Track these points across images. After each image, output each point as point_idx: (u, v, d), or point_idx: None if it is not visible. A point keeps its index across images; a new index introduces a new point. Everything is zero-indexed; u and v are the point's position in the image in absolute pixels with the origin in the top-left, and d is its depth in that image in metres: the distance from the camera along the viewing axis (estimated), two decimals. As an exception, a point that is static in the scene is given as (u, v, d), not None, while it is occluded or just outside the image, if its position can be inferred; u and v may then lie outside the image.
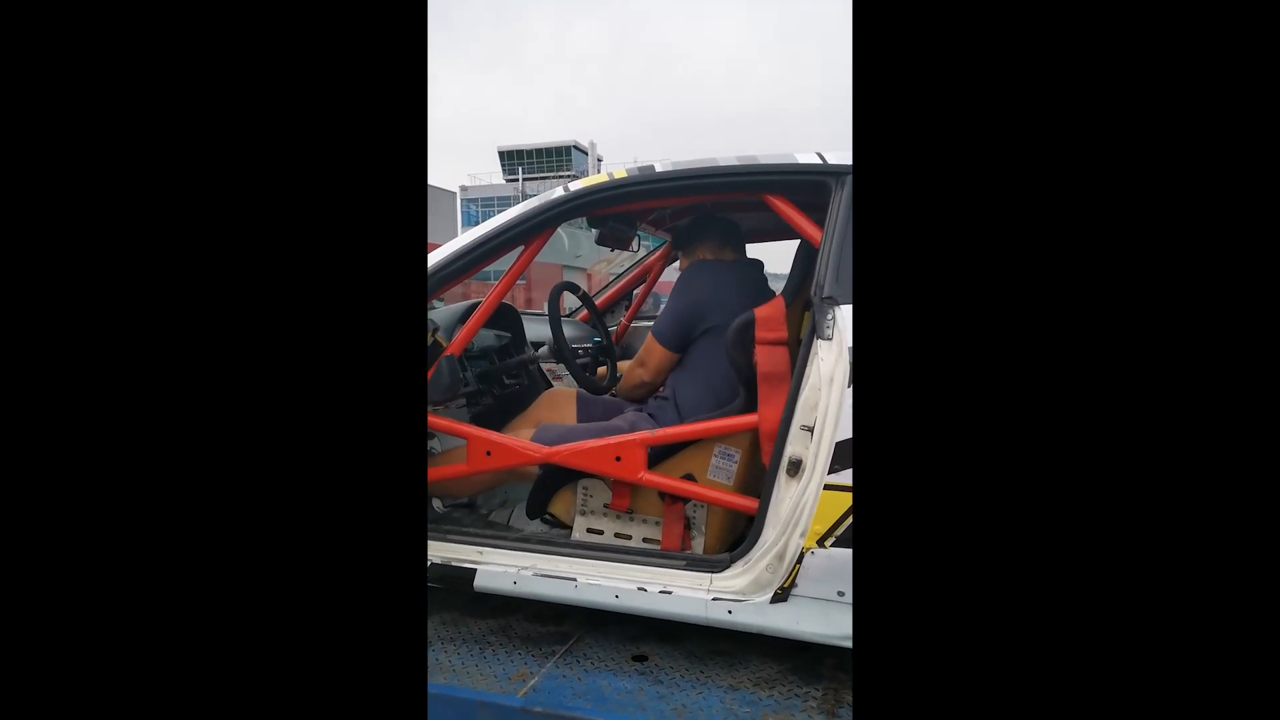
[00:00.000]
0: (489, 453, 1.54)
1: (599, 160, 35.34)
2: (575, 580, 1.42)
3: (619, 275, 2.71)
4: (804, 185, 1.45)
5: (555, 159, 34.20)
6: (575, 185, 1.55)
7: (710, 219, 1.84)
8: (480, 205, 33.70)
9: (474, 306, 1.81)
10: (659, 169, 1.51)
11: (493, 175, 35.98)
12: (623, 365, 2.02)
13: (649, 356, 1.72)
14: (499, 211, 1.59)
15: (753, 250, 1.94)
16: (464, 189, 34.70)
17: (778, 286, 1.78)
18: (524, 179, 33.21)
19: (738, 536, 1.63)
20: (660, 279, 2.63)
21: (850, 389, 1.23)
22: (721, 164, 1.48)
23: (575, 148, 34.51)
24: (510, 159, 34.75)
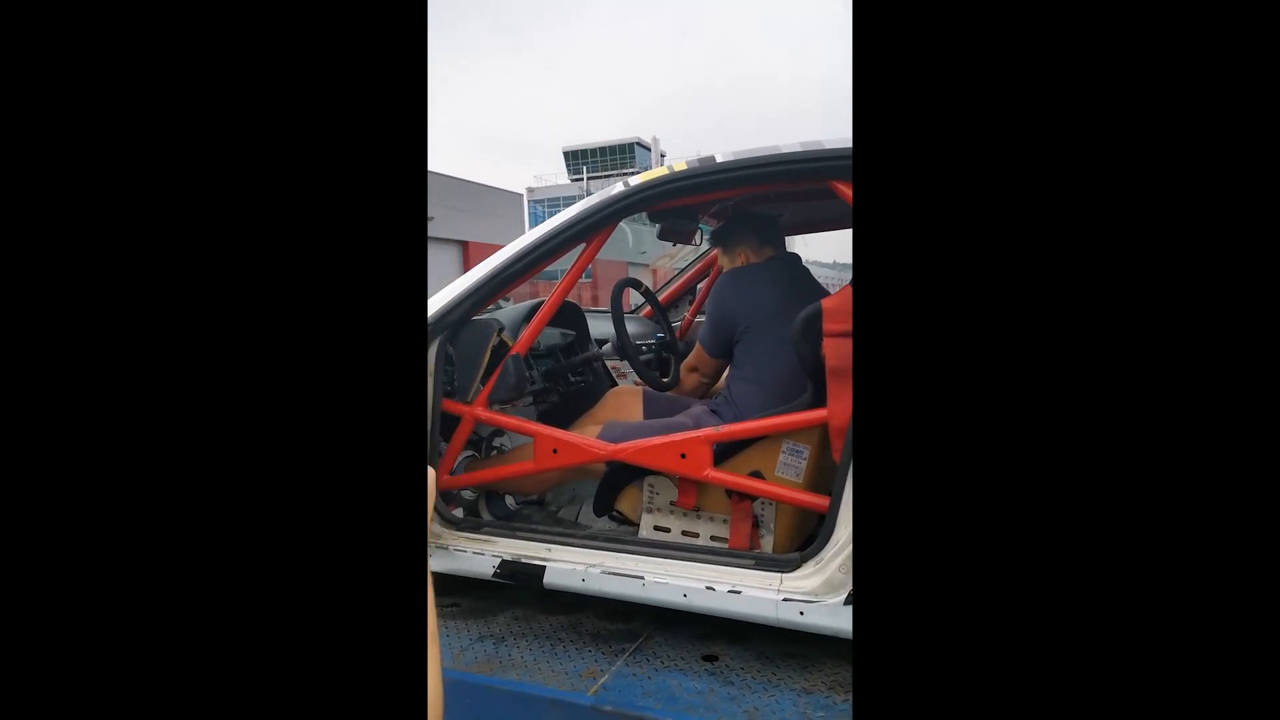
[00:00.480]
0: (556, 450, 1.54)
1: (662, 156, 35.33)
2: (643, 578, 1.41)
3: (681, 270, 2.69)
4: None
5: (619, 156, 34.39)
6: (635, 180, 1.53)
7: (746, 216, 1.85)
8: (547, 206, 34.21)
9: (538, 305, 1.82)
10: (720, 159, 1.48)
11: (558, 176, 36.51)
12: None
13: (699, 362, 1.83)
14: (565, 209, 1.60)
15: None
16: (530, 191, 35.28)
17: (818, 274, 1.77)
18: (588, 177, 33.54)
19: (808, 535, 1.59)
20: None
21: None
22: (784, 151, 1.44)
23: (638, 144, 34.60)
24: (574, 158, 35.17)
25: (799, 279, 1.71)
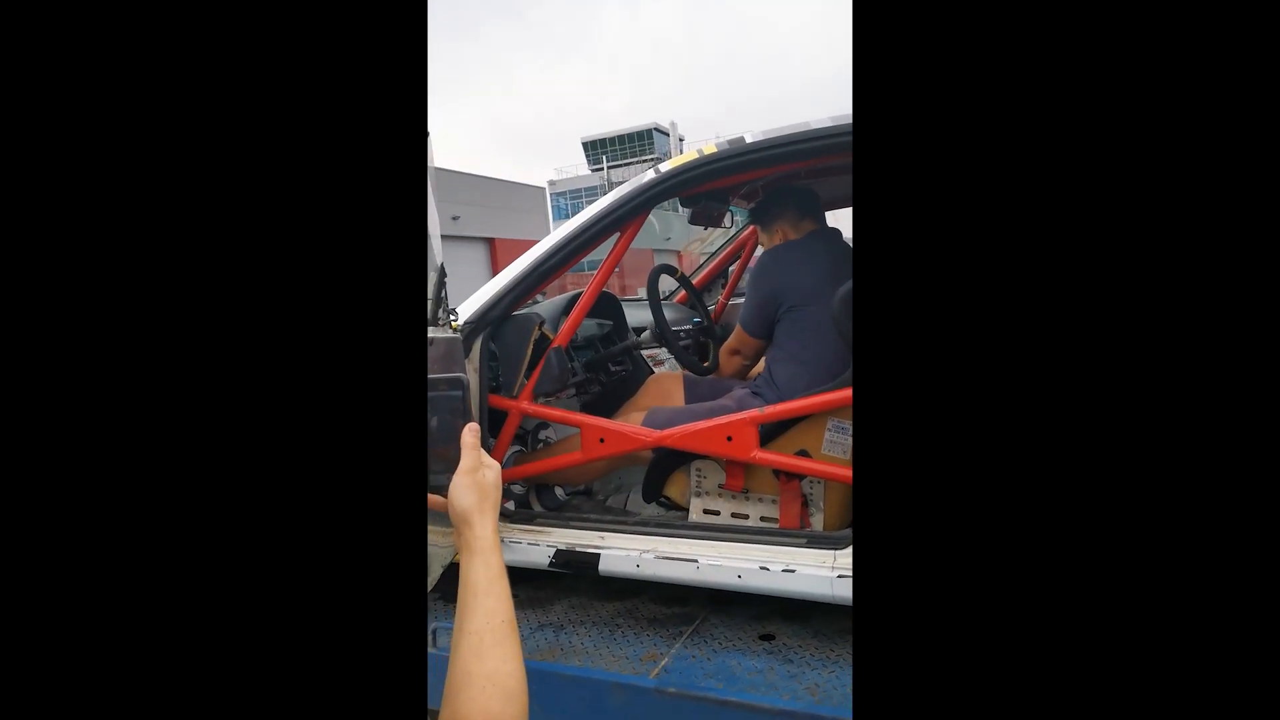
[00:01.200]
0: (603, 440, 1.56)
1: (680, 140, 35.02)
2: (697, 561, 1.42)
3: (713, 254, 2.68)
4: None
5: (638, 144, 34.20)
6: (665, 166, 1.54)
7: (786, 190, 1.82)
8: (569, 198, 34.23)
9: (576, 298, 1.84)
10: (749, 140, 1.47)
11: (578, 167, 36.43)
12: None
13: (740, 344, 1.82)
14: (587, 202, 1.61)
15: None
16: (552, 183, 35.33)
17: None
18: (609, 166, 33.45)
19: (859, 511, 1.59)
20: (755, 254, 2.58)
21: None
22: (813, 126, 1.43)
23: (657, 130, 34.34)
24: (594, 148, 35.07)
25: (840, 254, 1.68)
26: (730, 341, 1.85)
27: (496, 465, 0.70)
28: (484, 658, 0.58)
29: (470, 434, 0.71)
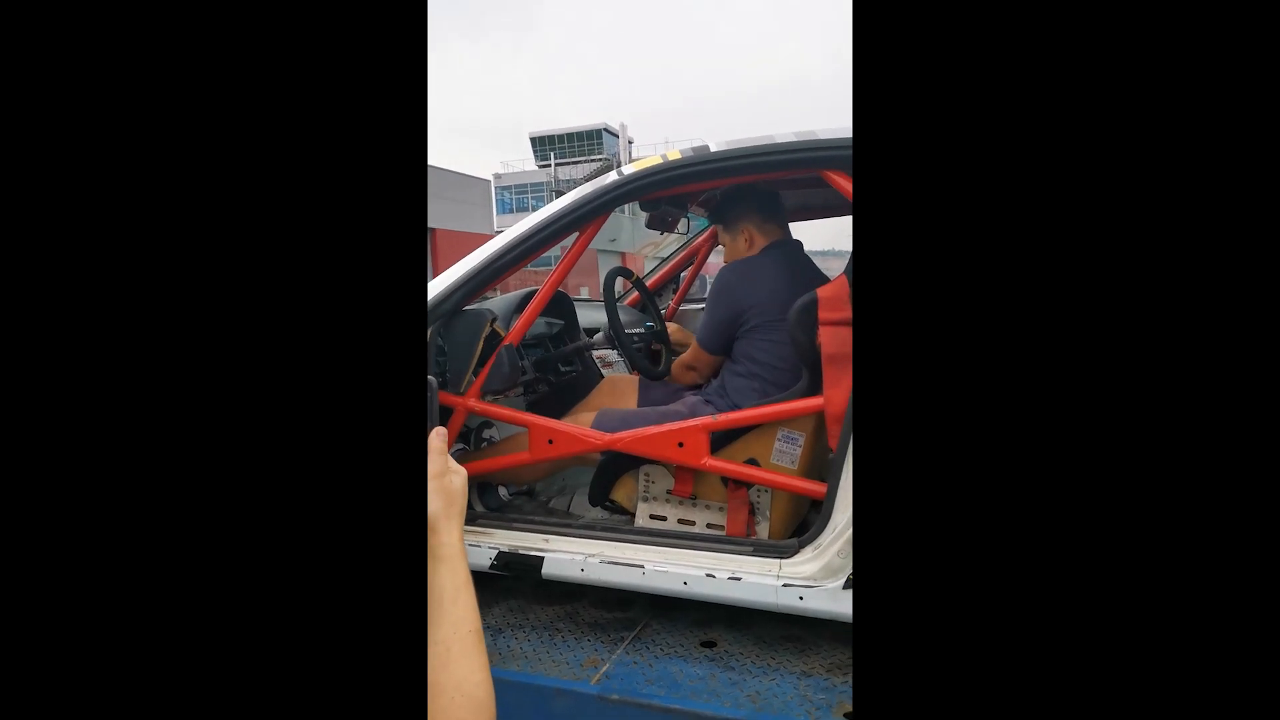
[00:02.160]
0: (551, 441, 1.54)
1: (630, 142, 35.03)
2: (643, 567, 1.42)
3: (665, 259, 2.69)
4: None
5: (587, 143, 34.05)
6: (629, 168, 1.53)
7: (748, 190, 1.75)
8: (514, 192, 33.78)
9: (529, 295, 1.81)
10: (714, 149, 1.48)
11: (525, 162, 35.99)
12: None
13: (697, 360, 1.79)
14: (532, 198, 1.58)
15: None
16: (497, 176, 34.76)
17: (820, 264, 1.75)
18: (556, 164, 33.18)
19: (801, 521, 1.62)
20: (709, 260, 2.59)
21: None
22: (779, 141, 1.44)
23: (606, 130, 34.28)
24: (541, 144, 34.72)
25: (800, 267, 1.69)
26: (686, 357, 1.82)
27: (463, 470, 0.68)
28: (451, 668, 0.56)
29: (437, 438, 0.68)
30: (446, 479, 0.66)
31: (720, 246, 1.91)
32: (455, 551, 0.62)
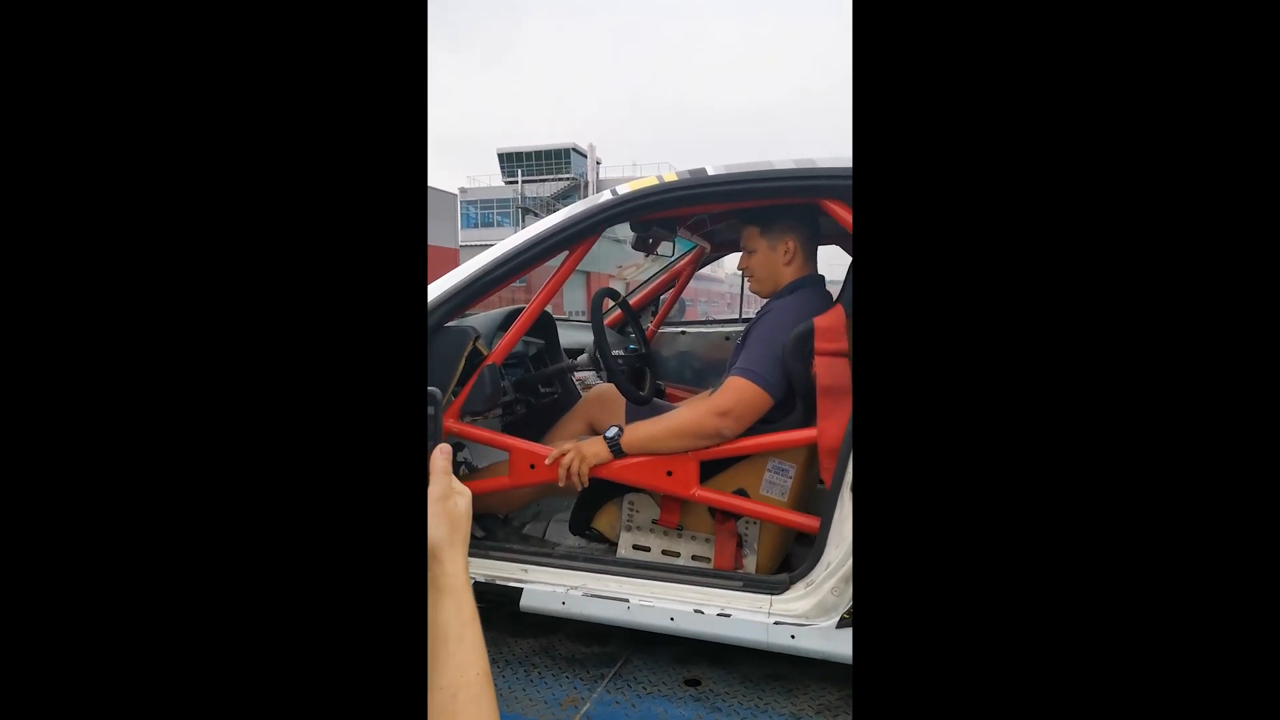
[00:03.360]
0: (533, 466, 1.48)
1: (598, 163, 35.23)
2: (628, 601, 1.36)
3: (646, 280, 2.66)
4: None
5: (554, 161, 34.09)
6: (624, 189, 1.49)
7: (809, 207, 1.51)
8: (480, 207, 33.52)
9: (514, 313, 1.75)
10: (711, 172, 1.46)
11: (492, 178, 35.79)
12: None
13: (744, 409, 1.39)
14: (498, 214, 1.54)
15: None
16: (463, 191, 34.47)
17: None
18: (523, 181, 33.12)
19: (788, 555, 1.58)
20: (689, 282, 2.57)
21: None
22: (777, 167, 1.43)
23: (574, 150, 34.40)
24: (509, 161, 34.63)
25: (820, 305, 1.52)
26: (725, 399, 1.40)
27: (468, 492, 0.62)
28: (459, 718, 0.50)
29: (441, 456, 0.62)
30: (450, 501, 0.60)
31: (703, 268, 1.87)
32: (460, 583, 0.57)
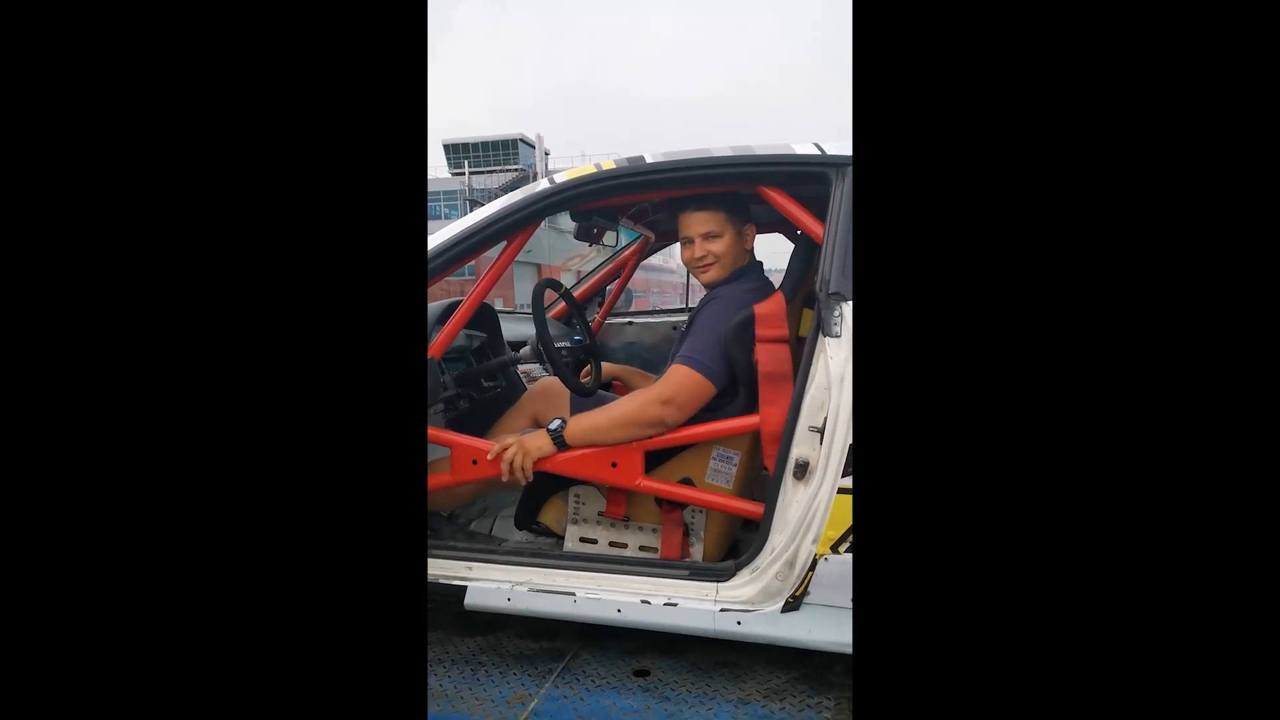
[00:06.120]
0: (475, 462, 1.45)
1: (546, 154, 34.81)
2: (574, 595, 1.35)
3: (591, 271, 2.64)
4: (803, 177, 1.41)
5: (502, 152, 33.49)
6: (561, 177, 1.47)
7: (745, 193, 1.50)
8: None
9: (452, 305, 1.71)
10: (650, 160, 1.44)
11: (437, 169, 35.04)
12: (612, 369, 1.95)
13: (686, 396, 1.37)
14: (445, 206, 1.50)
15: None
16: (408, 183, 33.62)
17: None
18: (470, 172, 32.52)
19: (735, 541, 1.59)
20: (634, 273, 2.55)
21: (863, 388, 1.19)
22: (715, 155, 1.42)
23: (522, 141, 33.87)
24: (455, 152, 33.88)
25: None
26: (667, 388, 1.38)
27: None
28: None
29: None
30: None
31: (647, 258, 1.84)
32: None
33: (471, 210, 1.48)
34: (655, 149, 1.42)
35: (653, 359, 2.56)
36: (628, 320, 2.63)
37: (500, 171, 32.53)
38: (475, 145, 33.61)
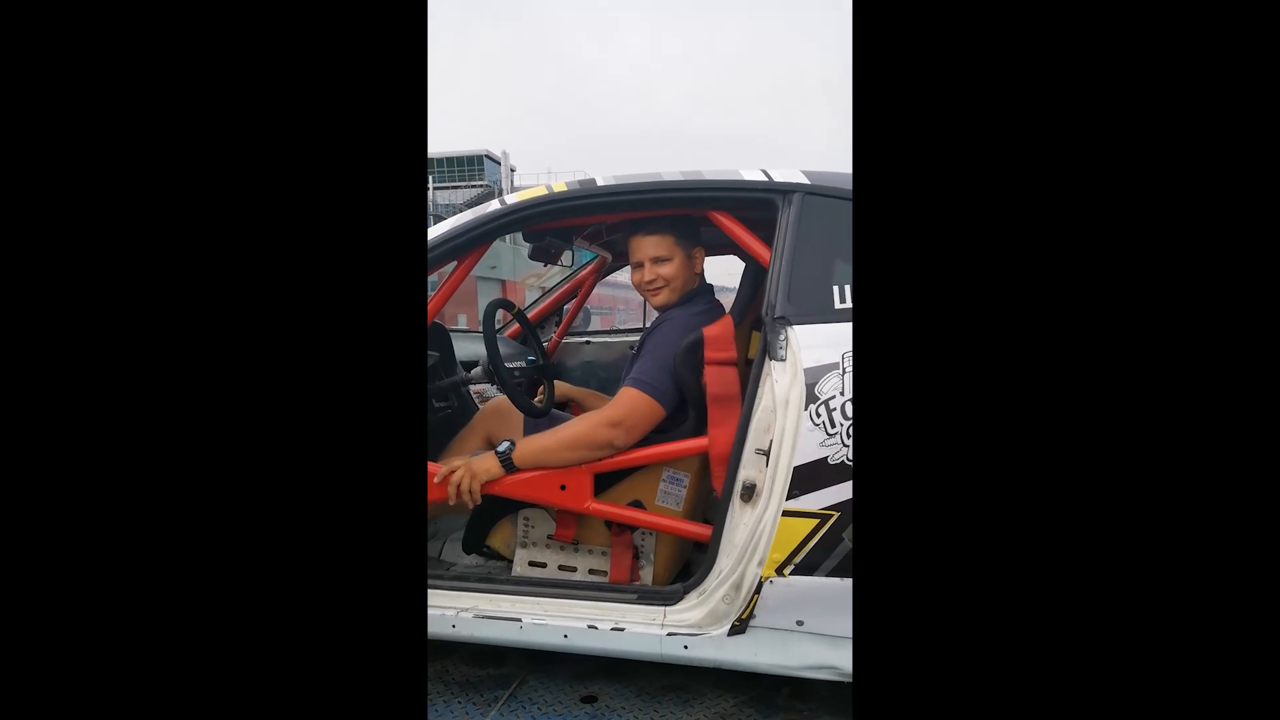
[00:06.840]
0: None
1: (512, 170, 34.79)
2: (520, 621, 1.33)
3: (548, 290, 2.63)
4: (750, 202, 1.43)
5: (467, 168, 33.40)
6: (512, 198, 1.47)
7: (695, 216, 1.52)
8: (389, 214, 32.39)
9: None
10: (601, 183, 1.45)
11: (401, 183, 34.70)
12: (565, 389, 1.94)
13: (637, 418, 1.37)
14: None
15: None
16: (371, 197, 33.28)
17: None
18: (434, 188, 32.30)
19: (687, 563, 1.58)
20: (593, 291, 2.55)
21: (807, 411, 1.20)
22: (666, 179, 1.44)
23: (488, 157, 33.84)
24: (420, 167, 33.68)
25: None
26: (618, 410, 1.39)
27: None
28: None
29: None
30: None
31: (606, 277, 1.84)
32: None
33: (433, 225, 1.46)
34: (620, 171, 1.43)
35: (610, 378, 2.56)
36: (585, 339, 2.63)
37: (465, 187, 32.37)
38: (440, 160, 33.41)
